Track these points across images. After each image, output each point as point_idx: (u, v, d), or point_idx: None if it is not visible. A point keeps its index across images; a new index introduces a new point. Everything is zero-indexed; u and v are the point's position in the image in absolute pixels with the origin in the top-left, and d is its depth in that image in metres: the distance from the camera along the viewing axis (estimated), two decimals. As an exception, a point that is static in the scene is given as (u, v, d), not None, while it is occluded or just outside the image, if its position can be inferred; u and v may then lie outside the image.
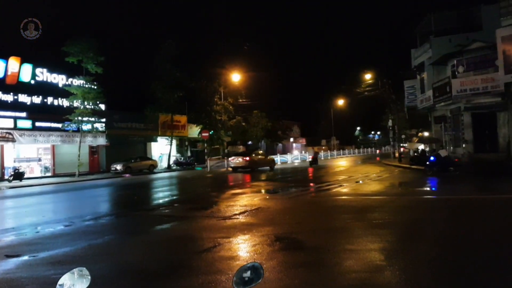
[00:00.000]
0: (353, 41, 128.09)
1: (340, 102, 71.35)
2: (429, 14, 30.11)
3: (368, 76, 44.62)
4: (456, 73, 24.88)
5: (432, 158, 22.46)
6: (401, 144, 43.90)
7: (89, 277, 1.91)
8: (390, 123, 41.91)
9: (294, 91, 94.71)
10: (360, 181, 19.82)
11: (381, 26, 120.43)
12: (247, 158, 31.28)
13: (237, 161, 32.00)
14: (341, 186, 17.88)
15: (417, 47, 33.12)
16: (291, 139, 72.58)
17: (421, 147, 36.74)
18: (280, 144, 66.85)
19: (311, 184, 18.94)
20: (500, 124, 23.41)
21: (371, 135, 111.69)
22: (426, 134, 37.09)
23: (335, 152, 64.08)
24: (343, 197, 14.65)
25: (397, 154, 36.74)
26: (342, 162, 43.10)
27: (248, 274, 1.90)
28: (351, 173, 25.56)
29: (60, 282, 1.84)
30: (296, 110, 72.94)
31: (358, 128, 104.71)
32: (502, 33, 21.81)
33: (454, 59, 25.42)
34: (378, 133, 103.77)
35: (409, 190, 16.58)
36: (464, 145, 24.95)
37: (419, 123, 39.51)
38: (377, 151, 77.75)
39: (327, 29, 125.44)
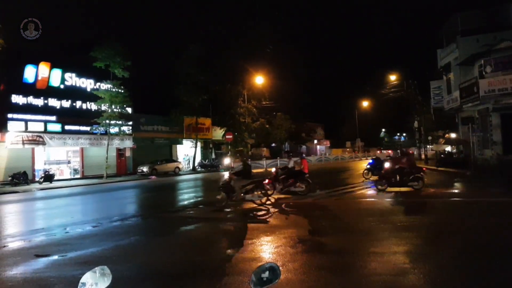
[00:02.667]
0: (379, 42, 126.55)
1: (365, 103, 70.61)
2: (455, 13, 29.54)
3: (393, 77, 44.07)
4: (484, 73, 24.31)
5: (370, 161, 22.91)
6: (428, 146, 43.18)
7: (111, 275, 1.97)
8: (416, 124, 41.25)
9: (318, 93, 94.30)
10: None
11: (407, 26, 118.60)
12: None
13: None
14: (366, 188, 17.73)
15: (443, 47, 32.53)
16: (315, 141, 72.20)
17: (448, 148, 36.07)
18: (304, 146, 66.60)
19: (335, 186, 18.82)
20: (530, 125, 22.79)
21: (396, 137, 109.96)
22: (453, 135, 36.33)
23: (359, 154, 63.38)
24: (368, 199, 14.52)
25: (423, 156, 36.13)
26: (364, 165, 42.59)
27: (266, 274, 1.96)
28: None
29: (82, 280, 1.90)
30: (320, 112, 72.69)
31: (383, 130, 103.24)
32: (532, 31, 21.26)
33: (481, 59, 24.85)
34: (404, 134, 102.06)
35: (435, 192, 16.29)
36: (492, 147, 24.35)
37: (445, 124, 38.75)
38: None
39: (352, 30, 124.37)
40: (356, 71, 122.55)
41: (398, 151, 18.26)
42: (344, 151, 68.44)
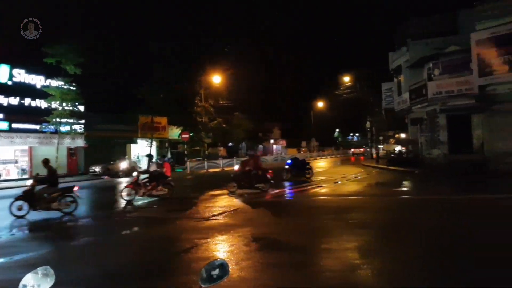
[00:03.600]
0: (333, 44, 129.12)
1: (320, 104, 71.87)
2: (407, 18, 30.65)
3: (347, 79, 45.11)
4: (432, 76, 25.37)
5: (289, 161, 23.10)
6: (379, 146, 44.54)
7: (54, 276, 1.91)
8: (368, 124, 42.47)
9: (275, 93, 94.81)
10: (339, 182, 20.11)
11: (360, 29, 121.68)
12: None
13: None
14: (320, 186, 18.08)
15: (395, 51, 33.64)
16: (272, 141, 72.78)
17: (398, 148, 37.33)
18: (260, 146, 66.97)
19: (290, 185, 19.08)
20: (475, 125, 23.94)
21: (350, 137, 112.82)
22: (403, 135, 37.68)
23: (314, 154, 64.50)
24: (322, 197, 14.83)
25: (375, 155, 37.21)
26: (321, 163, 43.43)
27: (216, 271, 1.97)
28: (330, 174, 25.88)
29: (23, 281, 1.82)
30: (277, 112, 73.07)
31: (337, 130, 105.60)
32: (477, 37, 22.36)
33: (430, 62, 25.90)
34: (357, 134, 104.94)
35: (386, 190, 16.86)
36: (439, 147, 25.45)
37: (396, 125, 40.12)
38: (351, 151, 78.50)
39: (308, 31, 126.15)
40: (311, 73, 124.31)
41: (247, 154, 18.75)
42: (299, 150, 69.34)
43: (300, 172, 22.05)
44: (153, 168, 15.96)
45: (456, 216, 10.19)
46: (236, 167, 17.31)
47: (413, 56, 28.39)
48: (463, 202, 12.55)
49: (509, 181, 17.36)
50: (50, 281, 1.90)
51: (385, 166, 29.25)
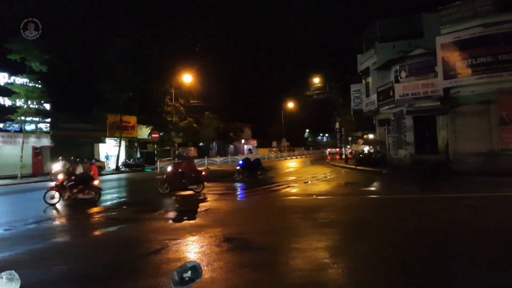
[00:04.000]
0: (304, 45, 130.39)
1: (290, 104, 72.49)
2: (374, 20, 31.17)
3: (316, 80, 45.57)
4: (399, 78, 25.93)
5: (241, 162, 23.16)
6: (348, 146, 45.21)
7: (19, 281, 1.87)
8: (337, 125, 43.08)
9: (246, 93, 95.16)
10: (309, 182, 20.33)
11: (330, 31, 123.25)
12: None
13: None
14: (290, 186, 18.23)
15: (363, 53, 34.17)
16: (243, 141, 72.88)
17: (366, 148, 38.00)
18: (231, 146, 66.96)
19: (261, 185, 19.16)
20: (440, 127, 24.63)
21: (320, 137, 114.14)
22: (371, 136, 38.36)
23: (285, 154, 64.93)
24: (292, 197, 14.95)
25: (344, 156, 37.76)
26: (292, 164, 43.77)
27: (188, 274, 1.98)
28: (300, 174, 26.11)
29: None
30: (247, 112, 73.40)
31: (307, 130, 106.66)
32: (442, 40, 23.00)
33: (397, 65, 26.45)
34: (327, 135, 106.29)
35: (355, 190, 17.15)
36: (406, 147, 26.05)
37: (364, 126, 40.84)
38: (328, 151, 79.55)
39: (279, 32, 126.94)
40: (282, 73, 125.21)
41: (181, 156, 18.67)
42: (270, 150, 69.69)
43: (253, 172, 22.20)
44: (79, 170, 15.34)
45: (419, 214, 10.48)
46: (169, 169, 17.22)
47: (381, 58, 28.92)
48: (426, 201, 12.93)
49: (469, 181, 17.94)
50: (15, 285, 1.87)
51: (353, 166, 29.75)
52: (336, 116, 43.91)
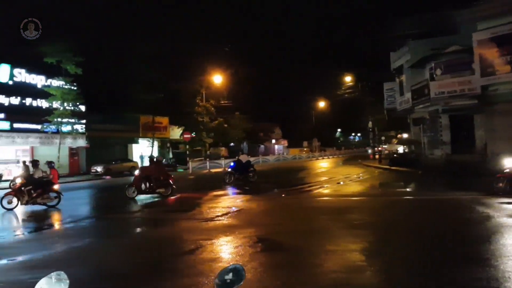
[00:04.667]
0: (335, 43, 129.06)
1: (322, 104, 71.84)
2: (407, 17, 30.56)
3: (348, 79, 45.06)
4: (434, 75, 25.29)
5: (232, 164, 22.05)
6: (381, 146, 44.49)
7: (68, 281, 1.88)
8: (370, 124, 42.42)
9: (276, 93, 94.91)
10: (341, 182, 20.07)
11: (361, 29, 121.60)
12: None
13: None
14: (322, 187, 18.05)
15: (395, 50, 33.57)
16: (273, 141, 72.79)
17: (400, 148, 37.28)
18: (262, 146, 66.99)
19: (293, 185, 19.05)
20: (477, 126, 23.89)
21: (351, 137, 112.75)
22: (405, 135, 37.64)
23: (316, 154, 64.41)
24: (324, 198, 14.80)
25: (377, 156, 37.15)
26: (323, 164, 43.42)
27: (230, 276, 1.93)
28: (332, 174, 25.82)
29: (37, 287, 1.80)
30: (277, 112, 73.13)
31: (339, 129, 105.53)
32: (478, 36, 22.27)
33: (432, 62, 25.81)
34: (359, 134, 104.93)
35: (388, 191, 16.83)
36: (442, 147, 25.40)
37: (398, 125, 40.12)
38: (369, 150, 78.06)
39: (309, 32, 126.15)
40: (313, 72, 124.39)
41: (150, 160, 17.66)
42: (301, 150, 69.28)
43: (244, 174, 21.25)
44: (38, 174, 14.94)
45: (456, 216, 10.15)
46: (136, 172, 16.88)
47: (414, 56, 28.31)
48: (462, 202, 12.50)
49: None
50: (64, 286, 1.87)
51: (387, 167, 29.19)
52: (368, 115, 43.24)
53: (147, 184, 15.76)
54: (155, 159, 17.30)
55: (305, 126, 74.92)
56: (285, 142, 77.48)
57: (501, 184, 12.70)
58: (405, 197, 14.88)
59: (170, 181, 16.34)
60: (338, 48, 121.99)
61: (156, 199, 15.51)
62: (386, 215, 10.86)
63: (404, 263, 6.26)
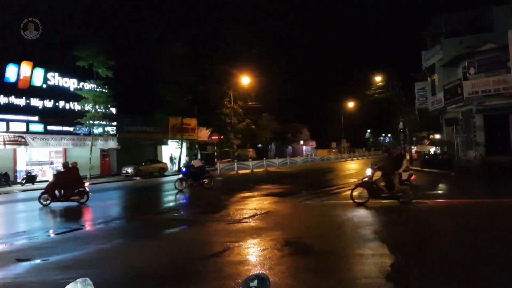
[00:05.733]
0: (363, 43, 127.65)
1: (350, 104, 71.04)
2: (439, 15, 29.86)
3: (378, 79, 44.34)
4: (468, 74, 24.62)
5: (184, 169, 20.61)
6: (412, 147, 43.59)
7: (92, 287, 1.87)
8: (401, 125, 41.59)
9: (304, 93, 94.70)
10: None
11: (391, 27, 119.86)
12: None
13: None
14: (351, 189, 17.73)
15: (427, 49, 32.87)
16: (301, 142, 72.45)
17: (432, 149, 36.43)
18: (290, 147, 66.77)
19: (322, 187, 18.82)
20: (513, 126, 23.13)
21: (381, 138, 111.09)
22: (437, 136, 36.75)
23: (345, 155, 63.68)
24: (351, 200, 14.50)
25: (408, 157, 36.41)
26: (352, 165, 42.87)
27: (255, 283, 1.87)
28: (361, 176, 25.30)
29: None
30: (305, 113, 72.92)
31: (369, 130, 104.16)
32: (514, 34, 21.54)
33: (465, 61, 25.16)
34: (389, 135, 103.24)
35: (420, 193, 16.36)
36: (476, 148, 24.66)
37: (430, 125, 39.19)
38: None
39: (337, 32, 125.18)
40: (341, 73, 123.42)
41: (62, 166, 16.64)
42: (330, 151, 68.68)
43: (197, 181, 19.57)
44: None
45: (492, 220, 9.77)
46: (51, 179, 16.33)
47: (447, 55, 27.67)
48: (498, 205, 12.05)
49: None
50: None
51: (419, 168, 28.53)
52: (399, 115, 42.43)
53: (61, 192, 15.23)
54: (69, 165, 16.21)
55: (334, 127, 74.15)
56: (313, 143, 77.01)
57: None
58: (437, 200, 14.45)
59: (85, 188, 15.64)
60: (368, 48, 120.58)
61: (182, 200, 15.58)
62: (418, 218, 10.55)
63: (438, 269, 6.03)
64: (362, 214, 11.18)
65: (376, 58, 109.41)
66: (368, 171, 12.91)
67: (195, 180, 19.50)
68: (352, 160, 59.30)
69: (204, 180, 19.69)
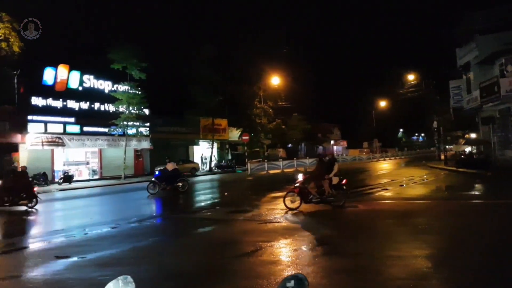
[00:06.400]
0: (396, 41, 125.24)
1: (382, 103, 69.84)
2: (473, 11, 29.07)
3: (411, 77, 43.52)
4: (505, 72, 23.87)
5: (157, 172, 20.07)
6: (447, 146, 42.56)
7: (134, 285, 1.93)
8: (435, 124, 40.67)
9: (334, 93, 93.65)
10: (404, 185, 19.34)
11: (424, 24, 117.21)
12: None
13: None
14: (384, 189, 17.51)
15: (462, 46, 32.02)
16: (332, 142, 71.75)
17: (468, 149, 35.49)
18: (320, 147, 66.24)
19: (353, 188, 18.61)
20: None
21: (415, 137, 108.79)
22: (473, 135, 35.73)
23: (377, 155, 62.70)
24: (386, 201, 14.32)
25: (442, 157, 35.59)
26: (385, 165, 42.22)
27: (291, 284, 1.89)
28: (394, 176, 24.98)
29: None
30: (336, 112, 72.05)
31: (401, 130, 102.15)
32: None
33: (502, 58, 24.41)
34: (422, 135, 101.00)
35: (455, 194, 15.98)
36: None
37: (465, 124, 38.13)
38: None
39: (369, 30, 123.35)
40: (373, 71, 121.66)
41: (11, 170, 15.94)
42: (361, 151, 67.74)
43: (171, 185, 18.90)
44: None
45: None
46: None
47: (483, 52, 26.90)
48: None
49: None
50: None
51: (454, 168, 27.82)
52: (433, 114, 41.49)
53: (9, 197, 14.96)
54: (20, 169, 15.86)
55: (365, 127, 73.05)
56: (344, 143, 76.14)
57: None
58: (473, 201, 14.07)
59: (34, 192, 15.44)
60: (401, 46, 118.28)
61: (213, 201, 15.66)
62: (453, 220, 10.30)
63: (473, 272, 5.90)
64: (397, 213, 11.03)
65: (409, 57, 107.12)
66: (300, 176, 12.91)
67: (168, 183, 18.94)
68: (385, 160, 58.34)
69: (178, 184, 19.14)
